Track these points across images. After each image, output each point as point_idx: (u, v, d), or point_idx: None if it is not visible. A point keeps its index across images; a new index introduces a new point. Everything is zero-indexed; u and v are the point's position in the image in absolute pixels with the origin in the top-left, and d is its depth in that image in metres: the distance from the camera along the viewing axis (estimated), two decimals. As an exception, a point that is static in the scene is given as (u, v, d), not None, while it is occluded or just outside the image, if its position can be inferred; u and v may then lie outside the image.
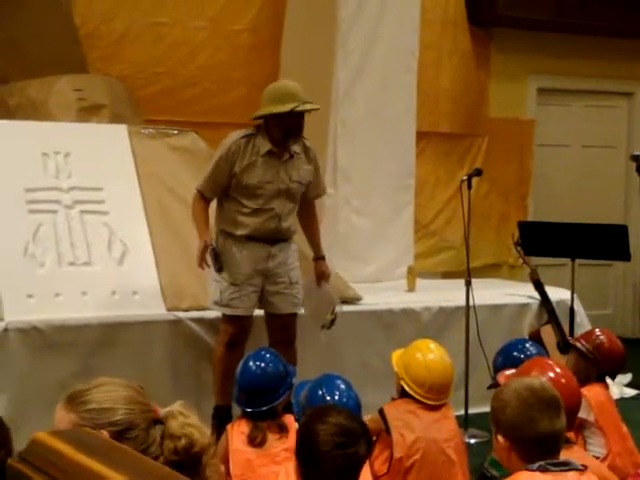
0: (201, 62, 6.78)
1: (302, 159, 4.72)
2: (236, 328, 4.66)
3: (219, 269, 4.63)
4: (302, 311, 4.85)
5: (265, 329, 4.81)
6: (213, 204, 4.77)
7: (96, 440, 1.21)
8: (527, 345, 4.32)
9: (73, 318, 4.65)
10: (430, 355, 3.88)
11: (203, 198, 4.68)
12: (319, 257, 4.95)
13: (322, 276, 4.92)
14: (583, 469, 2.58)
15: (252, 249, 4.64)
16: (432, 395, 3.79)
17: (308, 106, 4.56)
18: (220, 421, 4.50)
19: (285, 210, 4.68)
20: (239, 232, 4.63)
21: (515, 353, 4.20)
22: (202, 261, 4.54)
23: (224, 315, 4.71)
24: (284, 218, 4.67)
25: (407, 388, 3.80)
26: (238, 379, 3.71)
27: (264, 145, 4.61)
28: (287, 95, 4.55)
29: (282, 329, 4.77)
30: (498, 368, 4.13)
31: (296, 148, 4.69)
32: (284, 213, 4.67)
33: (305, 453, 2.48)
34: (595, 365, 4.21)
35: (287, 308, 4.73)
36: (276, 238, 4.68)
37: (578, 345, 4.27)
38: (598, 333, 4.43)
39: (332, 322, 4.83)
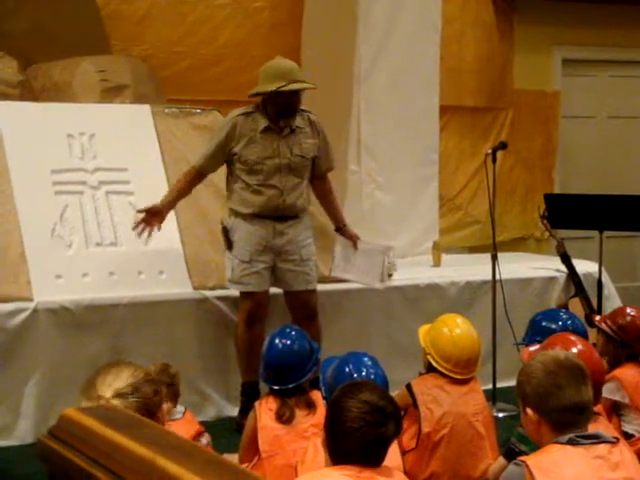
0: (223, 41, 6.77)
1: (306, 133, 4.71)
2: (251, 304, 4.69)
3: (229, 247, 4.69)
4: (315, 287, 4.82)
5: (282, 308, 4.84)
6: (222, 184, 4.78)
7: (123, 416, 1.22)
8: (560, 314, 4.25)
9: (101, 298, 4.70)
10: (457, 330, 3.87)
11: (196, 175, 4.73)
12: (340, 226, 4.96)
13: (353, 238, 4.96)
14: (615, 441, 2.57)
15: (259, 226, 4.66)
16: (459, 369, 3.78)
17: (295, 86, 4.54)
18: (248, 398, 4.54)
19: (288, 185, 4.66)
20: (245, 210, 4.66)
21: (544, 323, 4.13)
22: (140, 223, 4.62)
23: (240, 293, 4.74)
24: (287, 193, 4.66)
25: (434, 363, 3.80)
26: (264, 357, 3.72)
27: (262, 122, 4.63)
28: (277, 74, 4.56)
29: (300, 307, 4.79)
30: (529, 334, 4.08)
31: (299, 122, 4.68)
32: (287, 188, 4.66)
33: (334, 428, 2.48)
34: (623, 346, 4.15)
35: (300, 285, 4.75)
36: (282, 215, 4.68)
37: (603, 326, 4.19)
38: (627, 312, 4.31)
39: (392, 266, 4.91)
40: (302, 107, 4.71)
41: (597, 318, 4.38)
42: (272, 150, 4.63)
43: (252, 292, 4.69)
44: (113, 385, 2.02)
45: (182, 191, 4.77)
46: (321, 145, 4.79)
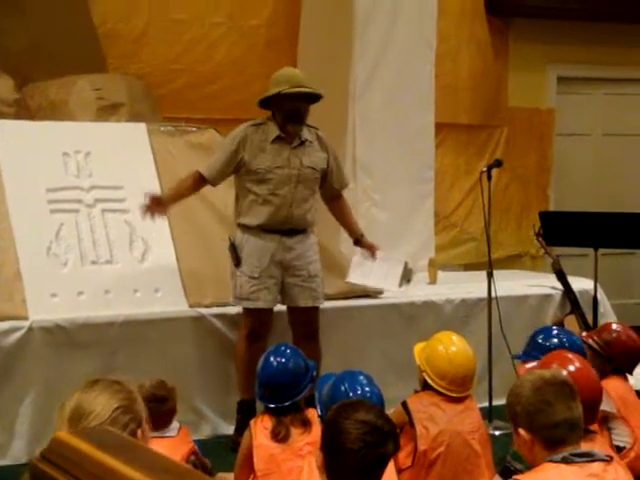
0: (219, 59, 6.79)
1: (315, 147, 4.74)
2: (255, 321, 4.68)
3: (237, 263, 4.67)
4: (321, 304, 4.84)
5: (289, 324, 4.83)
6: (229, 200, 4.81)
7: (117, 439, 1.22)
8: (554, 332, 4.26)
9: (96, 316, 4.69)
10: (452, 347, 3.87)
11: (199, 180, 4.73)
12: (359, 237, 5.02)
13: (372, 248, 5.01)
14: (609, 459, 2.58)
15: (267, 241, 4.66)
16: (455, 387, 3.78)
17: (297, 89, 4.57)
18: (244, 416, 4.52)
19: (297, 196, 4.67)
20: (255, 222, 4.66)
21: (541, 340, 4.15)
22: (145, 211, 4.67)
23: (244, 309, 4.73)
24: (296, 205, 4.67)
25: (429, 380, 3.80)
26: (259, 375, 3.72)
27: (273, 131, 4.66)
28: (282, 79, 4.62)
29: (303, 323, 4.78)
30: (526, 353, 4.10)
31: (308, 136, 4.71)
32: (296, 199, 4.67)
33: (333, 450, 2.47)
34: (609, 361, 4.20)
35: (306, 301, 4.73)
36: (290, 229, 4.67)
37: (590, 342, 4.26)
38: (613, 328, 4.41)
39: (411, 272, 5.10)
40: (309, 123, 4.75)
41: (584, 334, 4.43)
42: (282, 160, 4.65)
43: (258, 309, 4.68)
44: (80, 425, 2.04)
45: (183, 190, 4.77)
46: (331, 161, 4.81)
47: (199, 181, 4.74)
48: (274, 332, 4.79)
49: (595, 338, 4.29)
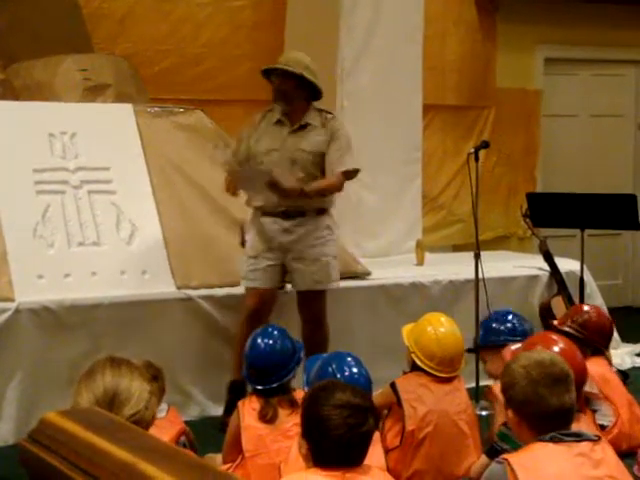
0: (205, 39, 6.75)
1: (317, 130, 4.70)
2: (254, 301, 4.67)
3: (242, 244, 4.77)
4: (322, 288, 4.75)
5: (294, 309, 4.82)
6: None
7: (104, 419, 1.22)
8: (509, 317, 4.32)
9: (83, 298, 4.68)
10: (440, 328, 3.89)
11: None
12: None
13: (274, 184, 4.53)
14: (596, 439, 2.59)
15: (266, 223, 4.68)
16: (443, 367, 3.80)
17: (268, 66, 4.69)
18: (235, 396, 4.52)
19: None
20: (255, 204, 4.72)
21: (494, 325, 4.23)
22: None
23: (245, 289, 4.73)
24: None
25: (418, 361, 3.82)
26: (247, 356, 3.73)
27: (275, 116, 4.71)
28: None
29: (306, 307, 4.77)
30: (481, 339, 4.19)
31: (312, 120, 4.70)
32: None
33: (317, 437, 2.47)
34: (587, 343, 4.25)
35: (305, 284, 4.71)
36: (284, 211, 4.66)
37: (565, 328, 4.30)
38: (583, 309, 4.48)
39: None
40: (322, 107, 4.77)
41: (555, 323, 4.48)
42: (279, 143, 4.67)
43: (255, 288, 4.68)
44: (121, 412, 2.04)
45: None
46: (330, 142, 4.68)
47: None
48: (281, 315, 4.76)
49: (569, 323, 4.33)
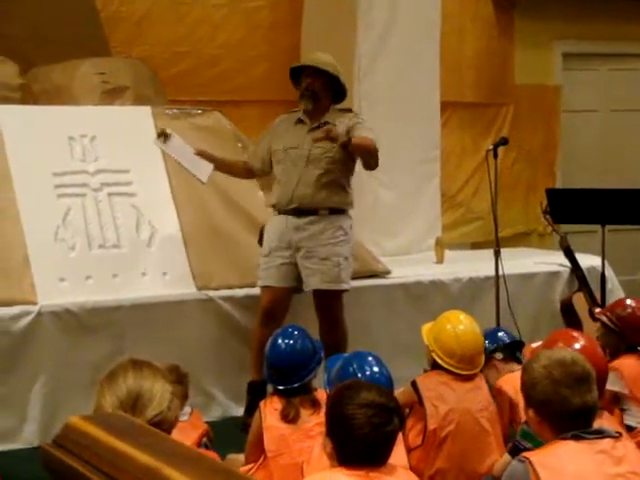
0: (222, 41, 6.76)
1: (336, 127, 4.66)
2: (268, 300, 4.68)
3: (260, 242, 4.80)
4: (333, 288, 4.76)
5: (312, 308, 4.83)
6: None
7: (127, 424, 1.23)
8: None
9: (105, 300, 4.70)
10: (460, 326, 3.88)
11: (244, 166, 4.95)
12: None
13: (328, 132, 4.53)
14: (618, 436, 2.58)
15: (279, 221, 4.72)
16: (463, 365, 3.79)
17: (298, 63, 4.75)
18: (254, 397, 4.53)
19: (305, 177, 4.66)
20: (272, 201, 4.78)
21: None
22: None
23: (260, 288, 4.75)
24: (302, 184, 4.66)
25: (438, 359, 3.80)
26: (267, 357, 3.73)
27: (297, 115, 4.77)
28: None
29: (321, 307, 4.77)
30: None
31: (331, 119, 4.70)
32: (303, 180, 4.66)
33: (342, 436, 2.47)
34: (622, 338, 4.16)
35: (315, 284, 4.70)
36: (296, 208, 4.67)
37: (603, 319, 4.21)
38: (627, 303, 4.34)
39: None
40: (343, 108, 4.80)
41: (597, 311, 4.39)
42: (297, 141, 4.71)
43: (268, 287, 4.69)
44: (145, 414, 2.05)
45: (233, 165, 4.97)
46: (352, 126, 4.66)
47: (244, 166, 4.97)
48: (299, 316, 4.77)
49: (608, 314, 4.24)
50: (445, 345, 3.81)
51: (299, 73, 4.72)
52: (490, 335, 4.28)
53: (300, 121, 4.74)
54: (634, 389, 4.02)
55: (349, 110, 4.87)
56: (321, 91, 4.68)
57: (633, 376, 4.03)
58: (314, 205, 4.68)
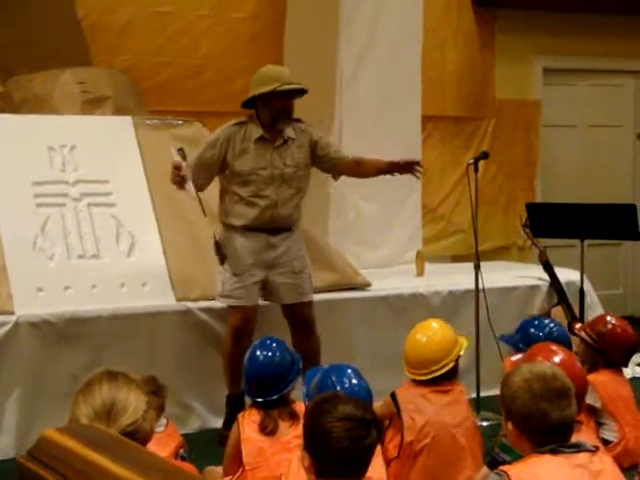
0: (204, 51, 6.76)
1: (298, 142, 4.70)
2: (240, 319, 4.67)
3: (222, 261, 4.66)
4: (309, 299, 4.82)
5: (273, 320, 4.82)
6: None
7: (103, 436, 1.21)
8: (545, 322, 4.20)
9: (83, 310, 4.67)
10: (418, 333, 3.92)
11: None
12: (388, 163, 4.87)
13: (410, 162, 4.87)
14: (595, 450, 2.58)
15: (252, 239, 4.66)
16: (414, 370, 3.81)
17: (290, 86, 4.57)
18: (233, 409, 4.52)
19: (282, 196, 4.66)
20: (238, 223, 4.66)
21: (532, 330, 4.08)
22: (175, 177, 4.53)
23: (229, 307, 4.73)
24: (282, 204, 4.66)
25: (405, 370, 3.85)
26: (246, 369, 3.72)
27: (256, 131, 4.63)
28: (270, 77, 4.58)
29: (295, 318, 4.79)
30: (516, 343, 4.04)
31: (290, 133, 4.68)
32: (281, 199, 4.66)
33: (320, 450, 2.46)
34: (601, 354, 4.17)
35: (292, 297, 4.74)
36: (276, 227, 4.67)
37: (583, 335, 4.23)
38: (607, 320, 4.35)
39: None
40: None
41: (577, 326, 4.41)
42: (265, 161, 4.63)
43: (241, 307, 4.67)
44: (119, 422, 2.04)
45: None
46: (319, 141, 4.73)
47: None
48: (266, 327, 4.77)
49: (588, 330, 4.25)
50: (406, 354, 3.86)
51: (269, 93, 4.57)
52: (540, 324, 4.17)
53: (262, 139, 4.63)
54: (609, 404, 4.04)
55: (297, 120, 4.77)
56: (292, 109, 4.66)
57: (608, 392, 4.05)
58: (289, 223, 4.72)
